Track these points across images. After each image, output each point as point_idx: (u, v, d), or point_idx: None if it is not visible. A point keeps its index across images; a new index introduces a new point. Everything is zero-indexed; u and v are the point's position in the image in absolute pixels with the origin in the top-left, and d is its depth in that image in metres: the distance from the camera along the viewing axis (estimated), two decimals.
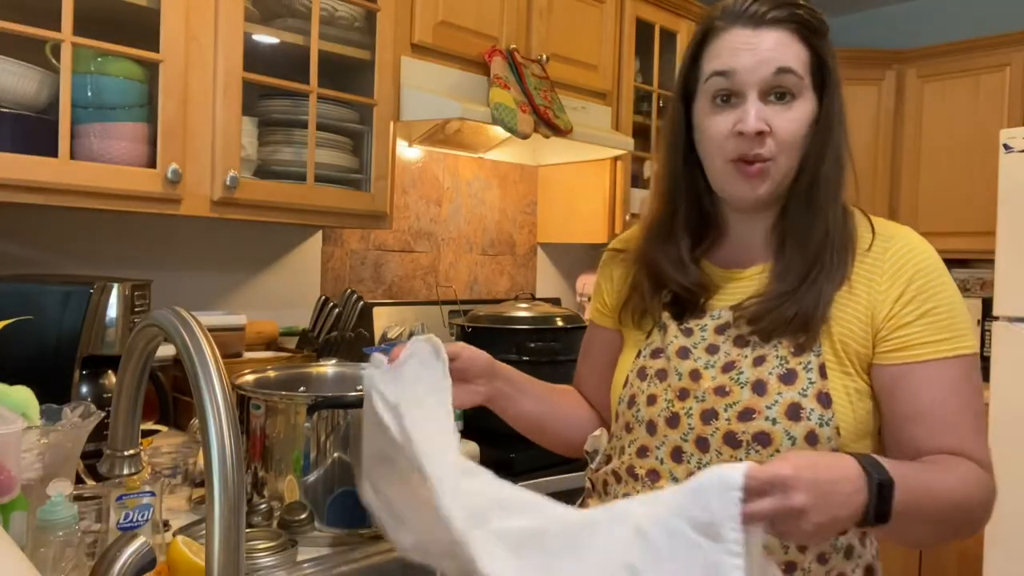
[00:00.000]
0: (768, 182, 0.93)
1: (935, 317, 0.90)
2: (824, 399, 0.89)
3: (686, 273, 0.99)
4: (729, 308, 0.97)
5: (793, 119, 0.92)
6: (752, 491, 0.68)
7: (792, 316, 0.90)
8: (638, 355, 1.03)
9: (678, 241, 1.01)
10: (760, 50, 0.91)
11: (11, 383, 1.02)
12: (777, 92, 0.91)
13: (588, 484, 1.11)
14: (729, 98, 0.93)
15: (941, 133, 3.34)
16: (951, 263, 0.95)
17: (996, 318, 2.75)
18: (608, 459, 1.06)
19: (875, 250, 0.94)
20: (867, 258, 0.93)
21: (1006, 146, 2.73)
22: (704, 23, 0.97)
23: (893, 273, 0.92)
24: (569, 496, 1.18)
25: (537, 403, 1.11)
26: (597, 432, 1.11)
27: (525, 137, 2.11)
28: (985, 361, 3.02)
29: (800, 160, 0.93)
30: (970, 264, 3.38)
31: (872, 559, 0.98)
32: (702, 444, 0.93)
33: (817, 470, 0.72)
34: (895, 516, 0.76)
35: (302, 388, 1.36)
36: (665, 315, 1.01)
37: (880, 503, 0.75)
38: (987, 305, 3.09)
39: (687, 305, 1.00)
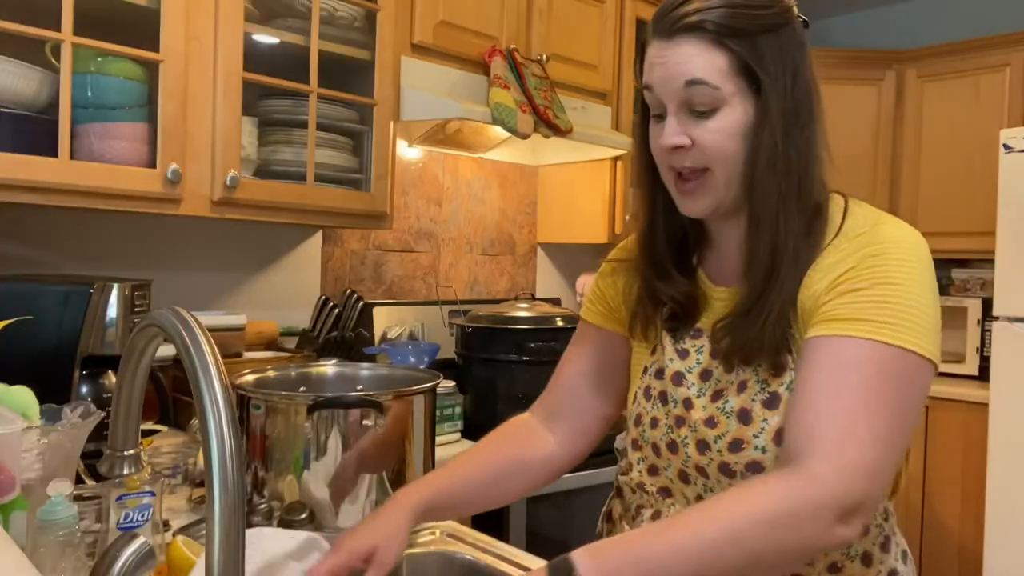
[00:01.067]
0: (707, 196, 0.89)
1: (864, 297, 0.81)
2: None
3: (674, 285, 0.96)
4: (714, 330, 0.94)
5: (715, 130, 0.85)
6: None
7: (750, 340, 0.86)
8: (644, 372, 1.02)
9: (660, 251, 0.97)
10: (670, 63, 0.86)
11: (11, 383, 1.02)
12: (694, 109, 0.86)
13: (617, 481, 1.10)
14: (659, 113, 0.90)
15: (941, 133, 3.34)
16: (951, 263, 0.91)
17: (996, 318, 2.75)
18: (630, 466, 1.05)
19: (832, 245, 0.87)
20: (824, 259, 0.86)
21: (1006, 146, 2.73)
22: (642, 41, 0.93)
23: (840, 258, 0.85)
24: (575, 496, 1.18)
25: (473, 506, 1.08)
26: (623, 434, 1.11)
27: (525, 137, 2.11)
28: (985, 361, 3.03)
29: (741, 170, 0.87)
30: (970, 264, 3.38)
31: (896, 563, 0.95)
32: (702, 471, 0.93)
33: None
34: None
35: (302, 388, 1.36)
36: (664, 333, 0.98)
37: None
38: (987, 305, 3.10)
39: (683, 322, 0.97)
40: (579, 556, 0.76)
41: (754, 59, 0.84)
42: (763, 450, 0.87)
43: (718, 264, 0.98)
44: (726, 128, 0.86)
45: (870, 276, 0.82)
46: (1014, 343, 2.69)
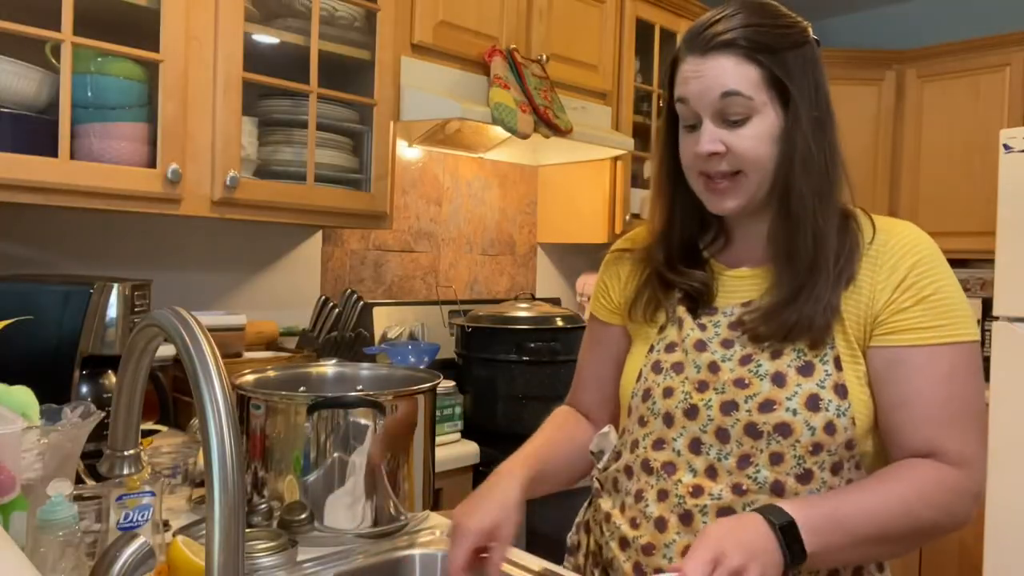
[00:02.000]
0: (736, 196, 0.97)
1: (932, 304, 0.93)
2: (841, 390, 0.92)
3: (689, 277, 1.03)
4: (741, 305, 1.00)
5: (749, 136, 0.94)
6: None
7: (793, 323, 0.93)
8: (651, 350, 1.05)
9: (673, 252, 1.05)
10: (706, 77, 0.94)
11: (11, 383, 1.02)
12: (729, 118, 0.94)
13: (596, 484, 1.11)
14: (693, 123, 0.97)
15: (941, 133, 3.34)
16: (951, 263, 0.96)
17: (996, 318, 2.75)
18: (618, 455, 1.07)
19: (877, 243, 0.96)
20: (870, 251, 0.96)
21: (1006, 146, 2.73)
22: (673, 55, 1.01)
23: (895, 262, 0.94)
24: (575, 495, 1.18)
25: (561, 481, 1.15)
26: (605, 430, 1.12)
27: (525, 137, 2.11)
28: (985, 361, 3.02)
29: (773, 172, 0.96)
30: (970, 264, 3.38)
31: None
32: (722, 435, 0.95)
33: (734, 533, 0.83)
34: (819, 550, 0.84)
35: (302, 388, 1.36)
36: (680, 309, 1.03)
37: (790, 542, 0.83)
38: (987, 305, 3.09)
39: (700, 301, 1.03)
40: (791, 508, 0.86)
41: (783, 72, 0.94)
42: (794, 412, 0.92)
43: (733, 254, 1.05)
44: (758, 135, 0.94)
45: (930, 279, 0.93)
46: (1014, 343, 2.69)
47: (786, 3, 0.99)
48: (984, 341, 3.16)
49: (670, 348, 1.03)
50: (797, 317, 0.93)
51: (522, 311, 2.21)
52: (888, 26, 3.80)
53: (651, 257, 1.07)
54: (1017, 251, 2.69)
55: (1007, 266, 2.72)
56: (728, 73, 0.93)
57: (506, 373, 2.12)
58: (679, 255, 1.05)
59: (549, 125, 2.19)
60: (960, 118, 3.28)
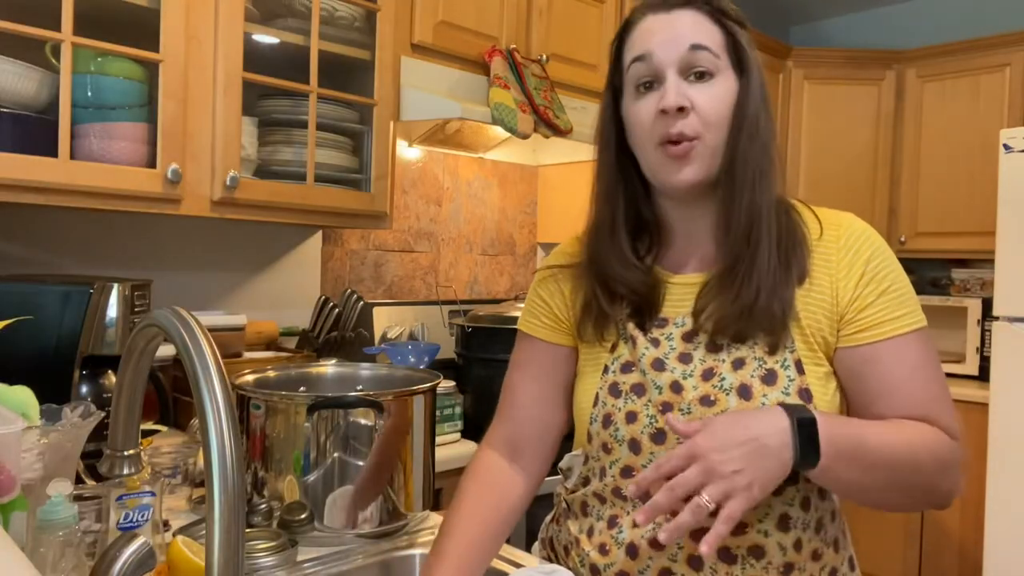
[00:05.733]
0: (696, 163, 0.92)
1: (892, 295, 0.92)
2: (805, 395, 0.90)
3: (635, 271, 0.98)
4: (691, 315, 0.95)
5: (714, 95, 0.92)
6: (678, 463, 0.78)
7: (753, 325, 0.91)
8: (605, 371, 0.99)
9: (621, 240, 0.99)
10: (674, 28, 0.92)
11: (11, 383, 1.02)
12: (696, 70, 0.92)
13: (563, 504, 1.07)
14: (651, 83, 0.93)
15: (941, 133, 3.34)
16: (951, 263, 0.96)
17: (996, 318, 2.75)
18: (586, 480, 1.03)
19: (826, 237, 0.95)
20: (820, 246, 0.94)
21: (1006, 146, 2.73)
22: (624, 20, 0.99)
23: (851, 257, 0.93)
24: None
25: (481, 568, 1.01)
26: (578, 452, 1.05)
27: (525, 137, 2.11)
28: (985, 361, 3.03)
29: (725, 141, 0.93)
30: (970, 264, 3.38)
31: (852, 552, 1.02)
32: None
33: (736, 427, 0.80)
34: (831, 462, 0.80)
35: (302, 388, 1.36)
36: (630, 326, 0.98)
37: (804, 441, 0.80)
38: (987, 305, 3.10)
39: (647, 313, 0.98)
40: (817, 413, 0.83)
41: (743, 40, 0.94)
42: None
43: (677, 257, 1.01)
44: (721, 95, 0.92)
45: (885, 271, 0.93)
46: (1014, 343, 2.69)
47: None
48: (984, 341, 3.16)
49: (626, 368, 0.97)
50: (757, 317, 0.90)
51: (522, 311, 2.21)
52: (888, 26, 3.80)
53: (593, 259, 1.01)
54: (1017, 251, 2.69)
55: (1007, 266, 2.72)
56: (696, 27, 0.92)
57: (506, 373, 2.11)
58: (627, 248, 0.99)
59: (549, 125, 2.19)
60: (960, 118, 3.28)
